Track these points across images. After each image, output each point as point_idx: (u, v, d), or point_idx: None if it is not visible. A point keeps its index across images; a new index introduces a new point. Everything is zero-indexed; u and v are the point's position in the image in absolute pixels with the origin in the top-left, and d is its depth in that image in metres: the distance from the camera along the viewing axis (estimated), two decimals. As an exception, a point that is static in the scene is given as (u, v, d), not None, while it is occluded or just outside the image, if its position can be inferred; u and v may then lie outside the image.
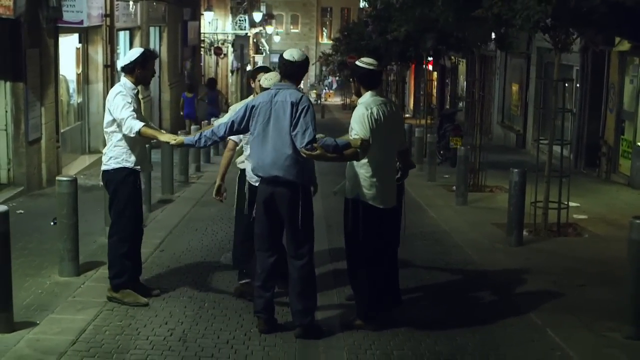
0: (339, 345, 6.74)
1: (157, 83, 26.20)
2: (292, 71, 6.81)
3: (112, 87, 18.69)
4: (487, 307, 7.90)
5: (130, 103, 7.53)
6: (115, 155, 7.65)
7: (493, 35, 15.78)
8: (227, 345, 6.67)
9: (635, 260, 6.89)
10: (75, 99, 18.44)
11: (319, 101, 66.09)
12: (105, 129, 7.77)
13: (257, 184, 7.09)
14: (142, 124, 7.48)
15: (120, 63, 8.01)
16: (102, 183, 7.94)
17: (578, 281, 8.96)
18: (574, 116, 20.37)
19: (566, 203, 11.59)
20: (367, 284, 7.05)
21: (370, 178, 6.93)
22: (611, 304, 7.68)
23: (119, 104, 7.51)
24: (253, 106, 6.75)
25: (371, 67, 7.12)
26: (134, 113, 7.50)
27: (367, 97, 7.07)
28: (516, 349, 6.83)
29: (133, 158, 7.66)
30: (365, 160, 6.88)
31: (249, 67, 55.73)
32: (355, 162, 6.92)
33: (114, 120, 7.62)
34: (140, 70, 7.73)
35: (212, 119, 21.34)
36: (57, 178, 8.73)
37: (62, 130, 16.41)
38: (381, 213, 7.02)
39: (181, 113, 26.24)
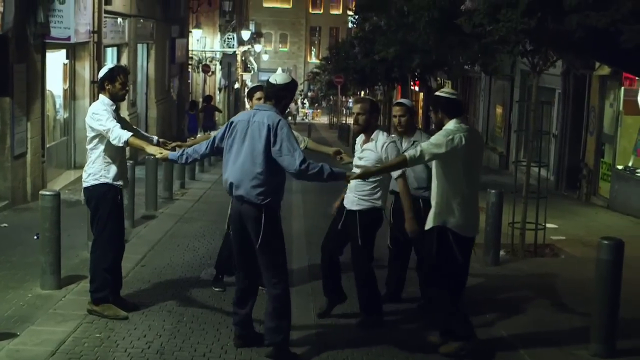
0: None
1: (144, 100, 26.36)
2: (273, 94, 6.89)
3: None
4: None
5: (112, 115, 7.69)
6: (94, 171, 7.80)
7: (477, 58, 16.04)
8: (204, 358, 6.81)
9: (601, 280, 7.09)
10: (62, 115, 18.56)
11: (305, 119, 66.35)
12: (87, 145, 7.93)
13: None
14: (130, 133, 7.65)
15: (99, 76, 8.14)
16: (83, 200, 8.07)
17: (551, 300, 9.15)
18: (556, 139, 20.64)
19: (543, 224, 11.78)
20: (454, 308, 7.14)
21: (458, 206, 6.96)
22: (581, 323, 7.86)
23: (102, 117, 7.65)
24: (232, 122, 6.88)
25: (453, 97, 7.24)
26: (118, 123, 7.66)
27: (451, 125, 7.03)
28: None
29: (112, 174, 7.80)
30: (453, 188, 6.95)
31: (236, 85, 56.02)
32: (443, 189, 6.96)
33: (94, 136, 7.78)
34: (109, 86, 7.84)
35: (208, 132, 21.85)
36: (41, 192, 8.86)
37: (47, 145, 16.52)
38: (468, 242, 7.15)
39: (183, 128, 30.18)
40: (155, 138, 8.30)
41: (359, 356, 7.08)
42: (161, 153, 7.44)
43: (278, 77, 6.96)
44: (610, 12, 9.83)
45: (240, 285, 7.00)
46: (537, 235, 11.73)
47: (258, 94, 8.79)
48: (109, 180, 7.80)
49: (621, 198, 16.64)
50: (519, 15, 10.28)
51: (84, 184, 7.90)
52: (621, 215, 15.98)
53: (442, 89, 7.45)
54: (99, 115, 7.69)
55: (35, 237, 10.18)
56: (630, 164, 16.96)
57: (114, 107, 7.87)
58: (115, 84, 7.87)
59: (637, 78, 15.97)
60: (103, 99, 7.86)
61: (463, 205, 6.97)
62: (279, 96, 6.89)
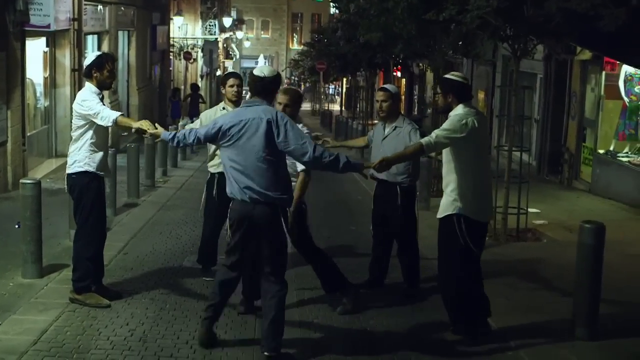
0: None
1: (125, 87, 26.25)
2: (263, 87, 6.57)
3: (79, 90, 18.83)
4: (444, 309, 8.06)
5: (100, 100, 7.66)
6: (80, 159, 7.74)
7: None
8: (187, 346, 6.79)
9: (583, 263, 7.12)
10: (42, 103, 18.45)
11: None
12: (72, 133, 7.86)
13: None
14: (119, 113, 7.66)
15: (84, 63, 8.08)
16: (66, 188, 8.01)
17: (534, 285, 9.19)
18: (538, 123, 20.69)
19: (525, 209, 11.82)
20: (466, 299, 7.10)
21: (473, 191, 6.90)
22: (563, 306, 7.86)
23: (90, 102, 7.60)
24: (221, 127, 6.47)
25: (465, 81, 7.18)
26: (106, 106, 7.65)
27: (460, 109, 6.97)
28: (470, 350, 6.99)
29: (97, 163, 7.75)
30: (467, 174, 6.89)
31: (218, 72, 55.82)
32: (456, 176, 6.91)
33: (82, 125, 7.71)
34: (97, 74, 7.78)
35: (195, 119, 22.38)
36: (21, 181, 8.80)
37: (28, 134, 16.43)
38: (483, 228, 7.13)
39: (167, 114, 31.37)
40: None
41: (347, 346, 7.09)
42: (149, 128, 7.22)
43: (265, 70, 6.66)
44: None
45: (221, 278, 6.79)
46: (519, 220, 11.77)
47: (231, 81, 8.83)
48: (94, 169, 7.75)
49: (602, 182, 16.71)
50: (485, 1, 10.31)
51: (69, 171, 7.83)
52: (602, 199, 16.05)
53: (453, 73, 7.35)
54: (87, 101, 7.63)
55: (17, 226, 10.11)
56: (611, 148, 17.03)
57: (100, 96, 7.82)
58: (103, 72, 7.81)
59: (618, 63, 16.04)
60: (90, 86, 7.80)
61: (477, 191, 6.93)
62: (269, 90, 6.63)
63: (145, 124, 7.34)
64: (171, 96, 33.02)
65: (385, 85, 8.81)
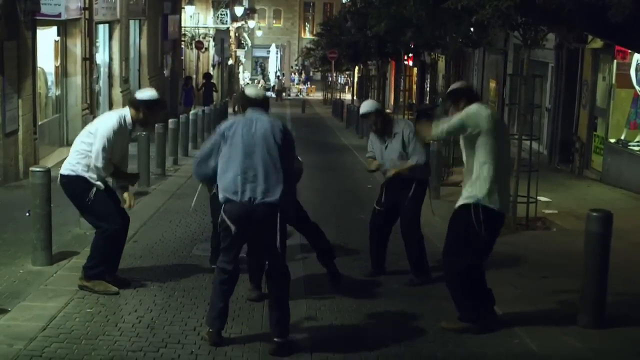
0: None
1: (136, 76, 26.31)
2: (261, 103, 6.75)
3: (90, 79, 18.86)
4: (450, 298, 8.07)
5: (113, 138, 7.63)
6: (77, 165, 7.77)
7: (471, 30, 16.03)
8: (194, 332, 6.84)
9: (590, 252, 7.13)
10: (54, 92, 18.52)
11: (300, 95, 66.41)
12: (81, 139, 7.87)
13: None
14: (110, 171, 7.79)
15: (138, 96, 7.99)
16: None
17: (541, 273, 9.19)
18: (549, 112, 20.64)
19: (535, 197, 11.81)
20: (472, 287, 7.14)
21: (492, 181, 6.93)
22: (571, 295, 7.87)
23: (103, 136, 7.60)
24: (229, 127, 6.52)
25: (467, 86, 7.44)
26: (108, 154, 7.65)
27: (473, 105, 7.09)
28: (476, 337, 7.01)
29: (96, 178, 7.75)
30: (486, 163, 6.94)
31: (230, 62, 55.87)
32: (477, 166, 6.97)
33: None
34: (144, 112, 7.80)
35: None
36: (31, 169, 8.86)
37: (40, 123, 16.52)
38: (501, 219, 7.17)
39: (180, 102, 32.13)
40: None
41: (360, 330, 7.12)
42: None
43: (257, 92, 6.85)
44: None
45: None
46: (528, 209, 11.76)
47: None
48: (93, 181, 7.76)
49: (613, 171, 16.68)
50: None
51: (66, 172, 7.83)
52: (613, 189, 16.01)
53: (454, 83, 7.62)
54: (103, 131, 7.63)
55: (27, 214, 10.17)
56: (622, 137, 16.98)
57: (130, 127, 7.83)
58: (149, 115, 7.87)
59: (629, 51, 15.97)
60: (127, 115, 7.80)
61: (496, 181, 6.95)
62: (266, 106, 6.79)
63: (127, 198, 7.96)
64: (184, 84, 33.36)
65: (364, 110, 8.82)
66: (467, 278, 7.08)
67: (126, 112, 7.85)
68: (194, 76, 39.15)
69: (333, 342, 6.84)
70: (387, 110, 32.79)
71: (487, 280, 7.35)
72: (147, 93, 8.04)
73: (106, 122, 7.74)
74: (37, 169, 8.73)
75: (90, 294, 7.72)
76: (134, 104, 7.87)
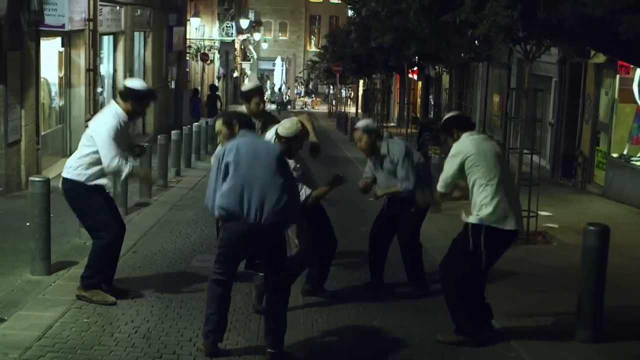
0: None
1: (141, 88, 26.29)
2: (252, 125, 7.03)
3: (93, 90, 18.89)
4: (448, 311, 8.07)
5: (116, 137, 7.54)
6: (78, 168, 7.72)
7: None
8: (190, 343, 6.83)
9: (587, 266, 7.11)
10: (57, 102, 18.56)
11: (305, 108, 66.56)
12: (83, 143, 7.81)
13: None
14: (131, 164, 7.68)
15: (128, 84, 7.92)
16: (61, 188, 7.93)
17: (540, 287, 9.18)
18: (552, 127, 20.64)
19: (535, 211, 11.79)
20: (470, 300, 7.12)
21: (495, 200, 6.93)
22: (569, 309, 7.83)
23: (104, 137, 7.54)
24: (232, 148, 6.54)
25: (460, 114, 7.59)
26: (119, 151, 7.55)
27: (462, 137, 7.18)
28: (472, 350, 7.00)
29: (97, 181, 7.74)
30: (486, 186, 6.95)
31: (235, 74, 55.98)
32: (479, 191, 6.98)
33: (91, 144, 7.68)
34: (134, 103, 7.72)
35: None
36: (30, 178, 8.88)
37: (43, 133, 16.54)
38: (507, 236, 7.11)
39: (181, 113, 32.76)
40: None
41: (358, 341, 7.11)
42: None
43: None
44: (608, 2, 9.83)
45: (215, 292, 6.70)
46: (529, 222, 11.73)
47: (256, 99, 8.78)
48: (97, 183, 7.75)
49: (616, 186, 16.65)
50: (503, 9, 10.30)
51: (68, 174, 7.78)
52: (615, 204, 15.98)
53: (449, 113, 7.74)
54: (102, 134, 7.55)
55: (28, 224, 10.18)
56: (625, 152, 16.95)
57: (126, 119, 7.75)
58: (140, 106, 7.82)
59: (632, 66, 15.97)
60: (118, 109, 7.72)
61: (499, 199, 6.93)
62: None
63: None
64: (192, 96, 34.15)
65: (355, 125, 8.91)
66: (463, 289, 7.06)
67: (116, 106, 7.73)
68: (199, 88, 39.28)
69: (328, 354, 6.85)
70: (391, 124, 32.77)
71: (486, 294, 7.35)
72: (136, 83, 8.01)
73: (105, 124, 7.60)
74: (37, 179, 8.74)
75: (87, 304, 7.71)
76: (123, 95, 7.77)
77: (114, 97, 7.82)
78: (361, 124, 8.83)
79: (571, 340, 7.21)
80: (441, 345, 7.13)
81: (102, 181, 7.76)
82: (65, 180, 7.82)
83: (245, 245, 6.49)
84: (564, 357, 6.87)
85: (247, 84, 8.84)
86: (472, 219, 7.02)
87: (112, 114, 7.71)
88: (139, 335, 6.96)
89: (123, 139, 7.77)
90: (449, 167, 7.11)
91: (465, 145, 7.08)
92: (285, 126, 7.60)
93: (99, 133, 7.61)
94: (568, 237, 12.28)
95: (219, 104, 35.78)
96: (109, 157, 7.52)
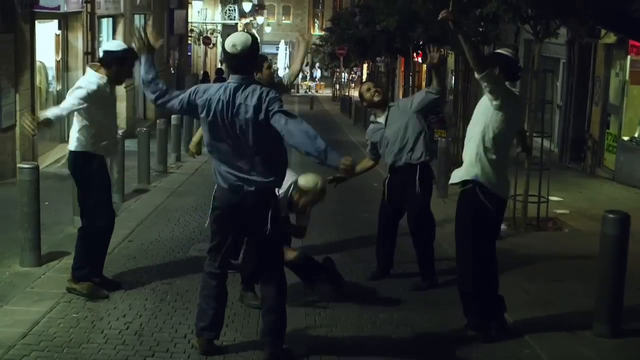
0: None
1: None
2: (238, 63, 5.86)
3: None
4: (458, 304, 7.66)
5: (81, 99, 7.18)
6: (75, 137, 7.41)
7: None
8: (184, 340, 6.43)
9: (606, 256, 6.70)
10: (55, 86, 18.15)
11: (308, 92, 66.24)
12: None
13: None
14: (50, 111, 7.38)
15: (106, 47, 7.58)
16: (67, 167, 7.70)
17: (554, 277, 8.78)
18: (560, 109, 20.21)
19: (546, 197, 11.40)
20: (482, 289, 6.71)
21: (492, 164, 6.50)
22: (585, 301, 7.45)
23: (78, 91, 7.24)
24: (205, 96, 5.88)
25: (515, 58, 6.81)
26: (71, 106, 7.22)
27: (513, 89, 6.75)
28: (484, 346, 6.61)
29: (93, 144, 7.39)
30: (489, 144, 6.48)
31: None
32: (480, 144, 6.49)
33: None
34: (116, 67, 7.39)
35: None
36: (19, 165, 8.49)
37: (39, 118, 16.13)
38: (501, 204, 6.72)
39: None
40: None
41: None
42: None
43: (237, 42, 5.81)
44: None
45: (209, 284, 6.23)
46: (539, 208, 11.35)
47: (266, 64, 8.32)
48: (94, 150, 7.41)
49: (627, 170, 16.24)
50: None
51: (70, 147, 7.50)
52: (627, 188, 15.58)
53: (503, 49, 6.91)
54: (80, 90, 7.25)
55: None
56: (636, 135, 16.54)
57: (105, 87, 7.39)
58: (122, 70, 7.46)
59: (644, 46, 15.55)
60: (92, 76, 7.36)
61: (496, 165, 6.52)
62: (249, 67, 5.98)
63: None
64: (201, 79, 34.17)
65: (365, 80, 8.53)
66: (478, 282, 6.65)
67: (92, 74, 7.37)
68: (201, 72, 39.02)
69: (331, 351, 6.43)
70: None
71: (500, 283, 6.95)
72: (113, 44, 7.64)
73: (75, 91, 7.26)
74: (25, 166, 8.31)
75: (77, 298, 7.33)
76: (103, 60, 7.42)
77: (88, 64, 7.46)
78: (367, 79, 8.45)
79: (589, 335, 6.80)
80: (452, 340, 6.74)
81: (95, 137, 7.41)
82: (70, 152, 7.52)
83: (233, 216, 5.94)
84: (582, 353, 6.46)
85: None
86: (468, 176, 6.57)
87: (84, 80, 7.36)
88: (130, 332, 6.57)
89: (105, 107, 7.45)
90: (496, 87, 6.42)
91: (506, 95, 6.47)
92: (307, 179, 7.10)
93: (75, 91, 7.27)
94: (580, 223, 11.89)
95: None
96: (66, 104, 7.20)
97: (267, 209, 5.90)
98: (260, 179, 5.81)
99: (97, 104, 7.30)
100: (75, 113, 7.36)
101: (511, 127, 6.62)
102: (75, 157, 7.50)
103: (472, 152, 6.57)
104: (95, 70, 7.44)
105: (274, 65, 70.20)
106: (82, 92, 7.21)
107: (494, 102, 6.43)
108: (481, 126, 6.53)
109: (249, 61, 5.89)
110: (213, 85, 6.03)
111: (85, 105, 7.17)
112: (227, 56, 5.86)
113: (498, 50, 6.93)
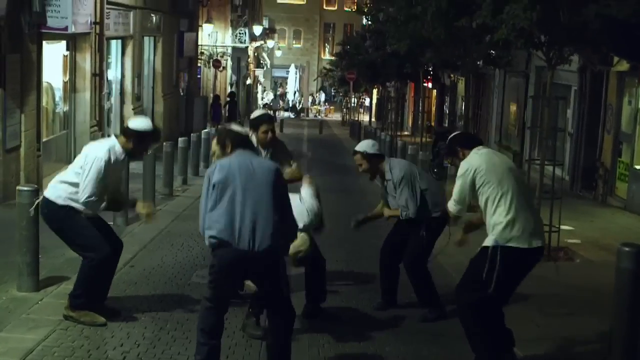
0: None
1: (150, 94, 25.84)
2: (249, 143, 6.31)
3: (99, 95, 18.37)
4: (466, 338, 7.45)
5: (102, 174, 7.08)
6: (68, 195, 7.20)
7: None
8: (183, 371, 6.24)
9: (621, 290, 6.45)
10: (62, 107, 18.01)
11: (318, 116, 66.28)
12: (74, 170, 7.29)
13: None
14: (103, 207, 7.24)
15: (131, 124, 7.45)
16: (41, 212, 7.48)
17: (565, 309, 8.54)
18: (571, 137, 20.00)
19: (558, 226, 11.17)
20: (489, 326, 6.53)
21: (508, 218, 6.35)
22: (598, 335, 7.23)
23: (91, 173, 7.05)
24: (221, 168, 5.97)
25: (456, 134, 6.99)
26: (97, 192, 7.08)
27: (469, 155, 6.57)
28: (493, 382, 6.38)
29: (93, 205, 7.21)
30: (498, 204, 6.38)
31: (248, 81, 55.50)
32: (492, 211, 6.40)
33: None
34: (135, 143, 7.28)
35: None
36: (18, 188, 8.27)
37: (46, 139, 16.02)
38: (525, 254, 6.49)
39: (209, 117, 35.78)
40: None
41: None
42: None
43: (246, 131, 6.46)
44: (632, 2, 9.34)
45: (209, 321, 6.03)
46: (551, 238, 11.10)
47: (264, 127, 8.01)
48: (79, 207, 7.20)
49: (639, 199, 16.00)
50: (521, 11, 9.74)
51: (50, 194, 7.28)
52: (639, 217, 15.34)
53: (453, 134, 7.07)
54: (90, 164, 7.07)
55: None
56: (649, 164, 16.32)
57: (123, 157, 7.30)
58: (140, 146, 7.35)
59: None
60: (116, 145, 7.27)
61: (513, 217, 6.34)
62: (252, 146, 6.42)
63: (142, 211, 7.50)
64: (213, 102, 36.43)
65: (357, 147, 8.25)
66: (481, 315, 6.42)
67: (115, 142, 7.31)
68: (211, 95, 38.95)
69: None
70: (405, 133, 32.27)
71: (507, 317, 6.74)
72: (140, 123, 7.46)
73: (97, 160, 7.09)
74: (24, 188, 8.12)
75: (74, 325, 7.12)
76: (126, 132, 7.33)
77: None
78: (360, 146, 8.19)
79: (602, 371, 6.57)
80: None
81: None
82: (46, 201, 7.30)
83: (238, 272, 5.91)
84: (596, 392, 6.24)
85: (256, 112, 8.22)
86: (487, 242, 6.41)
87: (108, 147, 7.23)
88: (127, 362, 6.37)
89: (114, 174, 7.36)
90: (459, 186, 6.48)
91: (474, 160, 6.45)
92: (295, 245, 6.93)
93: (89, 163, 7.08)
94: (591, 253, 11.65)
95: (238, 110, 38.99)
96: (86, 193, 7.04)
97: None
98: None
99: (107, 172, 7.16)
100: (75, 172, 7.22)
101: (497, 175, 6.44)
102: (54, 209, 7.25)
103: (487, 223, 6.49)
104: (119, 142, 7.33)
105: (281, 89, 70.31)
106: (100, 164, 7.08)
107: (477, 184, 6.42)
108: (483, 197, 6.44)
109: None
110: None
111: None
112: None
113: (450, 137, 6.93)
